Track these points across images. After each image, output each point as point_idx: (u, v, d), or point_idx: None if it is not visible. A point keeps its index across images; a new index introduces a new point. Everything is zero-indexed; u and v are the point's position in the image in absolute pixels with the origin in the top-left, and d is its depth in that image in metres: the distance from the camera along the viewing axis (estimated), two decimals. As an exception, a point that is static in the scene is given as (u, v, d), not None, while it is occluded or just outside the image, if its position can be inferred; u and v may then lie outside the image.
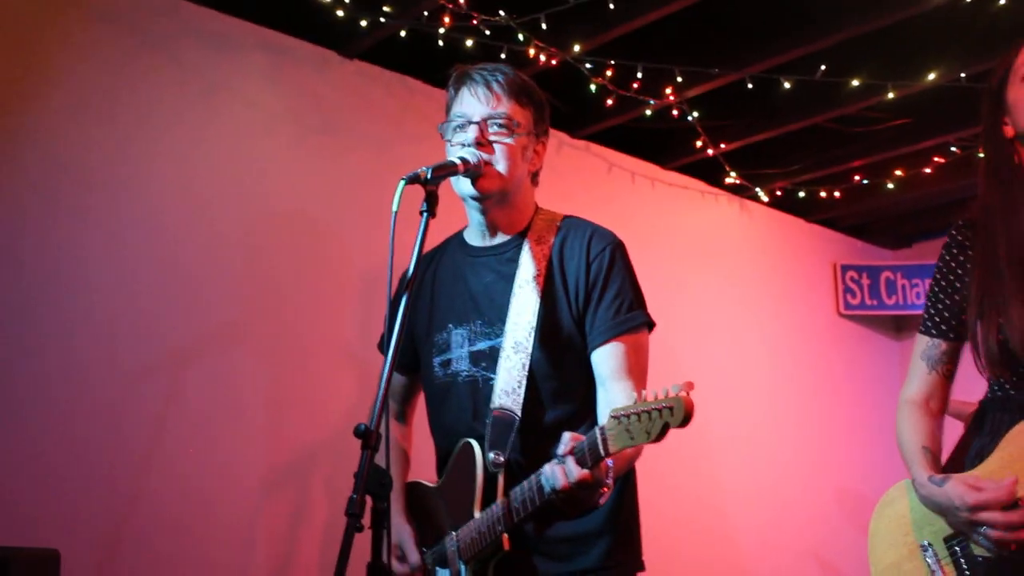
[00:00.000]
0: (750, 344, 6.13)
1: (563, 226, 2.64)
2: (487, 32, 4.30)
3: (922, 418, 2.47)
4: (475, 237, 2.72)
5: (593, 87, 4.70)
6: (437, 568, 2.58)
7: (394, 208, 2.19)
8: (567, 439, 2.18)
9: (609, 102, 4.87)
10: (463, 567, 2.46)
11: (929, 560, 2.32)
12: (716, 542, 5.64)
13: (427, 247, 2.35)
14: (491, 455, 2.44)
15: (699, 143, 5.37)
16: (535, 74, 4.32)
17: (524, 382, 2.47)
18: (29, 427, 3.40)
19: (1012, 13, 4.24)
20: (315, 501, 4.07)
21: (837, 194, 6.07)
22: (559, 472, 2.17)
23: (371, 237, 4.19)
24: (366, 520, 1.95)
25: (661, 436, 1.99)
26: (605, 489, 2.21)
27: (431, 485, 2.69)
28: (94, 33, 3.75)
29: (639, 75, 4.69)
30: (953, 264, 2.48)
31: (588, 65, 4.59)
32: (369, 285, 4.26)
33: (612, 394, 2.44)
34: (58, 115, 3.62)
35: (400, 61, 4.59)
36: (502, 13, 4.20)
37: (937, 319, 2.48)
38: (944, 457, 2.45)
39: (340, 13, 4.13)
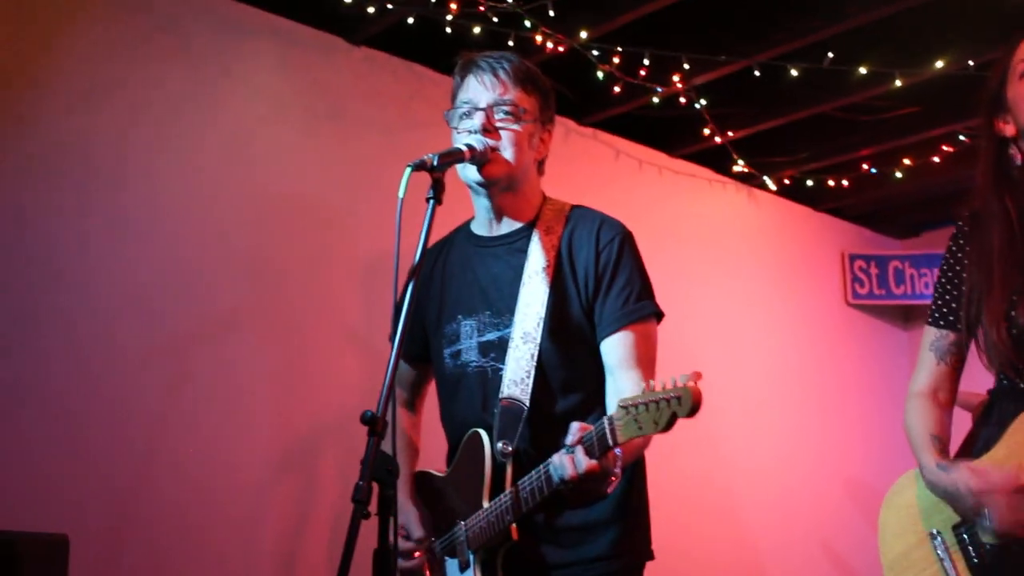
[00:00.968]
0: (757, 334, 6.12)
1: (572, 216, 2.63)
2: (494, 19, 4.29)
3: (931, 408, 2.47)
4: (482, 227, 2.71)
5: (600, 74, 4.68)
6: (446, 557, 2.58)
7: (400, 195, 2.20)
8: (575, 429, 2.18)
9: (616, 89, 4.86)
10: (472, 556, 2.45)
11: (938, 548, 2.32)
12: (724, 532, 5.63)
13: (433, 236, 2.35)
14: (499, 445, 2.44)
15: (707, 131, 5.35)
16: (542, 61, 4.31)
17: (532, 372, 2.47)
18: (35, 414, 3.41)
19: (1022, 1, 4.21)
20: (322, 488, 4.07)
21: (845, 183, 6.04)
22: (568, 462, 2.17)
23: (377, 224, 4.18)
24: (372, 507, 1.96)
25: (669, 426, 1.99)
26: (613, 479, 2.21)
27: (440, 474, 2.69)
28: (102, 17, 3.75)
29: (646, 62, 4.67)
30: (960, 255, 2.48)
31: (595, 52, 4.57)
32: (375, 272, 4.26)
33: (621, 383, 2.44)
34: (65, 100, 3.63)
35: (407, 48, 4.59)
36: (509, 0, 4.19)
37: (944, 310, 2.48)
38: (953, 450, 2.45)
39: (347, 0, 4.12)
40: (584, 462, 2.14)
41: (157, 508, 3.62)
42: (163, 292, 3.75)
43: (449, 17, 4.22)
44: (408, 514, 2.71)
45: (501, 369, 2.52)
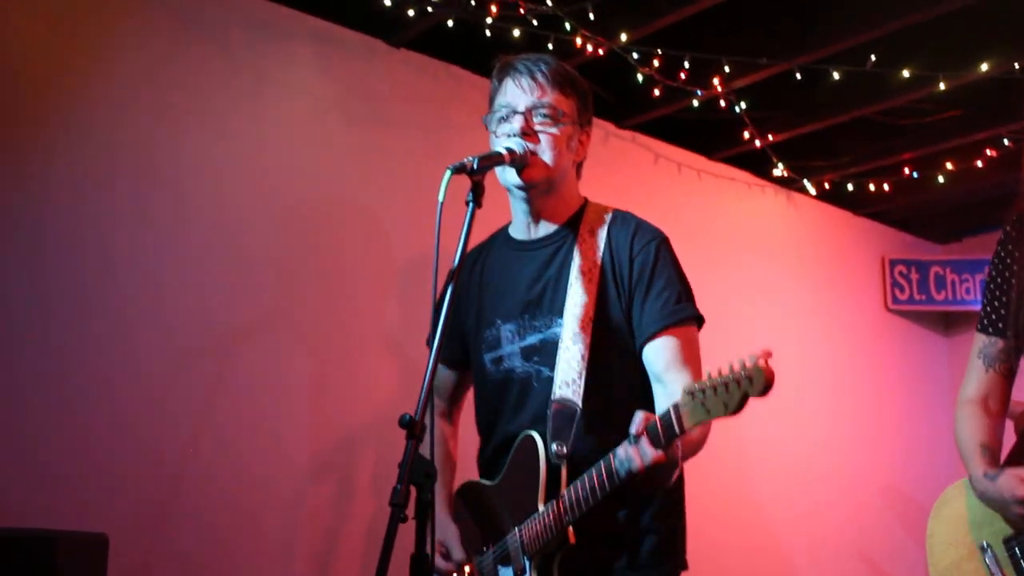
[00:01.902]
0: (796, 339, 6.07)
1: (612, 219, 2.61)
2: (534, 21, 4.28)
3: (981, 416, 2.43)
4: (520, 230, 2.70)
5: (640, 77, 4.66)
6: (499, 567, 2.53)
7: (440, 198, 2.19)
8: (639, 419, 2.15)
9: (656, 92, 4.83)
10: (527, 563, 2.41)
11: (988, 562, 2.28)
12: (759, 539, 5.59)
13: (472, 239, 2.34)
14: (553, 447, 2.41)
15: (746, 134, 5.32)
16: (582, 64, 4.30)
17: (584, 373, 2.45)
18: (79, 411, 3.44)
19: (1069, 4, 4.16)
20: (358, 492, 4.08)
21: (886, 187, 5.98)
22: (634, 454, 2.14)
23: (417, 226, 4.19)
24: (410, 511, 1.95)
25: (739, 408, 1.95)
26: (677, 469, 2.18)
27: (489, 483, 2.65)
28: (142, 24, 3.78)
29: (686, 65, 4.65)
30: (1009, 260, 2.44)
31: (635, 55, 4.55)
32: (414, 274, 4.27)
33: (671, 387, 2.40)
34: (114, 106, 3.66)
35: (447, 50, 4.59)
36: (549, 2, 4.18)
37: (993, 316, 2.44)
38: (1002, 457, 2.42)
39: (387, 2, 4.12)
40: (650, 452, 2.11)
41: (194, 510, 3.64)
42: (200, 295, 3.77)
43: (489, 20, 4.21)
44: (448, 532, 2.68)
45: (546, 372, 2.51)
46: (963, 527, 2.37)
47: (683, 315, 2.48)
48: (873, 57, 4.62)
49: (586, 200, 2.69)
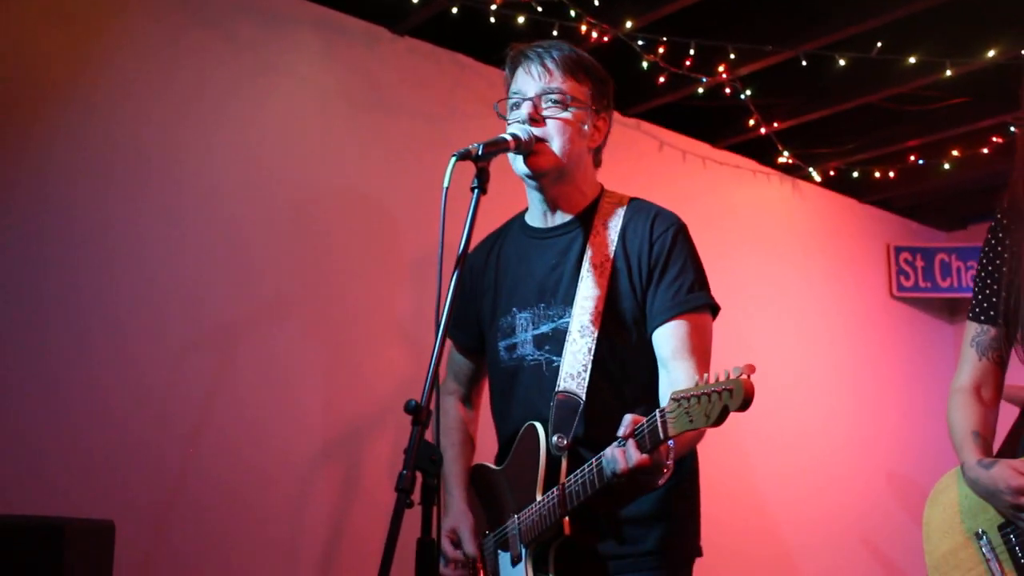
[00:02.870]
0: (802, 325, 6.07)
1: (629, 208, 2.61)
2: (539, 8, 4.28)
3: (973, 405, 2.43)
4: (536, 218, 2.69)
5: (645, 64, 4.65)
6: (499, 551, 2.56)
7: (445, 184, 2.19)
8: (627, 422, 2.15)
9: (661, 79, 4.83)
10: (524, 550, 2.43)
11: (984, 549, 2.28)
12: (762, 527, 5.60)
13: (486, 226, 2.34)
14: (555, 438, 2.42)
15: (752, 121, 5.31)
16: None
17: (589, 366, 2.45)
18: (83, 399, 3.44)
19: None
20: (366, 477, 4.09)
21: (892, 174, 5.97)
22: (619, 455, 2.15)
23: (422, 213, 4.20)
24: (416, 496, 1.95)
25: (721, 420, 1.95)
26: (665, 471, 2.19)
27: (495, 468, 2.67)
28: (147, 10, 3.78)
29: (691, 52, 4.64)
30: (999, 248, 2.44)
31: (640, 42, 4.54)
32: (420, 261, 4.27)
33: (674, 375, 2.40)
34: (112, 92, 3.65)
35: (451, 38, 4.58)
36: (553, -11, 4.18)
37: (985, 304, 2.44)
38: (996, 445, 2.41)
39: (391, -10, 4.13)
40: (635, 455, 2.12)
41: (202, 496, 3.65)
42: (210, 281, 3.78)
43: (493, 7, 4.21)
44: (462, 522, 2.68)
45: (556, 362, 2.51)
46: (958, 515, 2.38)
47: (696, 303, 2.47)
48: (879, 44, 4.61)
49: (603, 189, 2.68)
